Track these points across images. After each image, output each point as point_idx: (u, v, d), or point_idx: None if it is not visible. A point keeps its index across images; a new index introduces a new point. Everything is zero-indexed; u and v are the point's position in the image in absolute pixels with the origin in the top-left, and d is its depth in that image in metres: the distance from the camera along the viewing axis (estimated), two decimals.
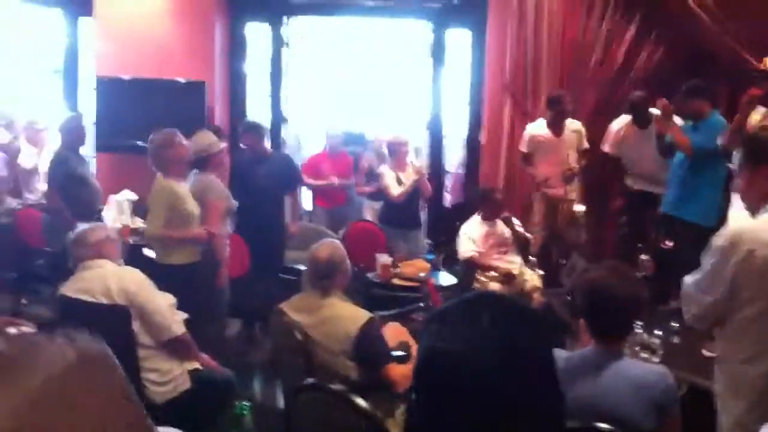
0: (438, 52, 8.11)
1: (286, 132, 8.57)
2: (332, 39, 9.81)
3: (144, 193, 5.41)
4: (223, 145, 5.53)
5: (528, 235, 6.36)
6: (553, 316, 4.72)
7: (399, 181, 6.78)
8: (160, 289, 3.97)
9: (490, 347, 1.19)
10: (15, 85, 9.02)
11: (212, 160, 5.24)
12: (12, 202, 7.14)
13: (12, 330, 2.65)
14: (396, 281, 5.98)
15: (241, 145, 6.50)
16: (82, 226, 4.17)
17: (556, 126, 6.64)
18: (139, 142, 5.94)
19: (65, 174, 6.02)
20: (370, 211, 7.89)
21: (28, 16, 8.85)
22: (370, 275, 6.01)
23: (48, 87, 8.90)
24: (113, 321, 3.79)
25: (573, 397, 2.33)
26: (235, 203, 5.34)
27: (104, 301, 3.80)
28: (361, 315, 3.57)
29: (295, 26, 8.50)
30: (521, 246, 6.16)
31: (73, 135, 6.24)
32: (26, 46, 9.12)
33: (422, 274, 5.98)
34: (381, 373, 3.49)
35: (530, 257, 6.20)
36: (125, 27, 7.75)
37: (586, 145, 6.77)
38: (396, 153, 6.86)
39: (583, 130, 6.76)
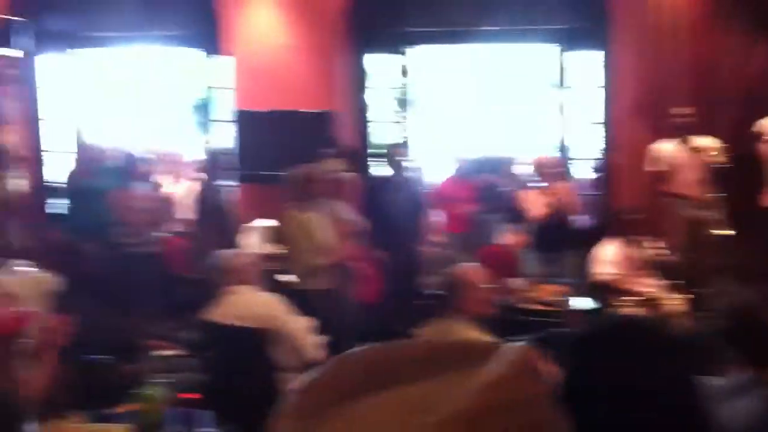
0: (564, 74, 8.01)
1: (410, 159, 8.68)
2: (455, 66, 9.86)
3: (280, 220, 5.61)
4: (351, 172, 5.67)
5: (667, 257, 6.12)
6: (700, 341, 4.51)
7: (542, 204, 6.66)
8: (300, 313, 4.09)
9: (635, 375, 1.16)
10: (158, 120, 9.61)
11: (341, 186, 5.38)
12: (157, 232, 7.52)
13: (163, 353, 2.83)
14: (530, 305, 5.89)
15: (370, 172, 6.63)
16: (223, 253, 4.35)
17: (685, 144, 6.40)
18: (274, 172, 6.18)
19: (208, 204, 6.31)
20: (505, 235, 7.80)
21: (171, 56, 9.43)
22: (503, 300, 5.95)
23: (188, 122, 9.42)
24: (255, 344, 3.93)
25: (719, 424, 2.22)
26: (365, 228, 5.44)
27: (246, 325, 3.95)
28: None
29: (417, 55, 8.63)
30: (661, 269, 5.94)
31: (213, 167, 6.54)
32: (168, 84, 9.70)
33: (558, 299, 5.86)
34: None
35: (672, 280, 5.96)
36: (258, 63, 8.10)
37: (720, 162, 6.48)
38: (542, 175, 6.75)
39: (717, 146, 6.48)
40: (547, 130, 8.55)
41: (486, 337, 3.62)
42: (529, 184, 6.95)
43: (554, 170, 6.76)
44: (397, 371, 0.76)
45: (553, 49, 8.10)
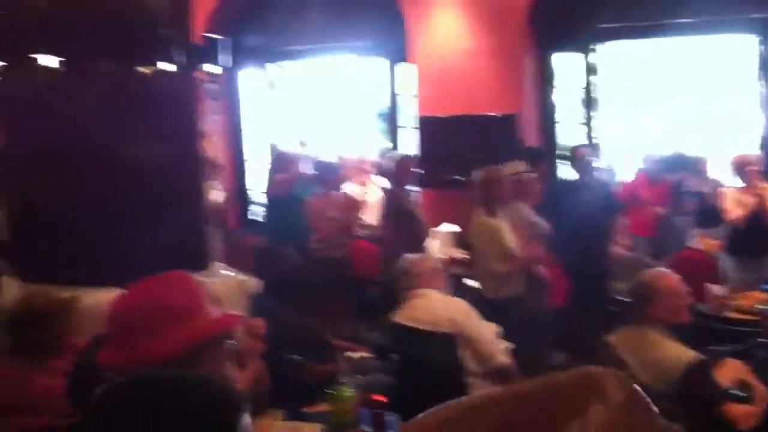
0: (763, 66, 7.45)
1: (598, 160, 8.41)
2: (645, 62, 9.46)
3: (464, 225, 5.63)
4: (533, 173, 5.58)
5: None
6: None
7: (741, 204, 6.23)
8: (485, 318, 4.08)
9: None
10: (344, 126, 9.97)
11: (526, 189, 5.31)
12: (346, 237, 7.79)
13: (352, 354, 2.90)
14: (731, 314, 5.52)
15: (556, 174, 6.50)
16: (409, 257, 4.43)
17: None
18: (458, 177, 6.22)
19: (394, 209, 6.44)
20: (699, 239, 7.38)
21: (355, 65, 9.76)
22: (700, 307, 5.63)
23: (373, 128, 9.70)
24: (440, 348, 3.96)
25: None
26: (550, 231, 5.35)
27: (432, 329, 4.00)
28: (687, 356, 3.34)
29: (606, 52, 8.35)
30: None
31: (400, 173, 6.67)
32: (356, 92, 10.04)
33: (761, 307, 5.46)
34: (715, 412, 3.24)
35: None
36: (441, 68, 8.17)
37: None
38: (742, 173, 6.32)
39: None
40: (746, 125, 8.00)
41: (679, 347, 3.45)
42: (726, 184, 6.52)
43: (754, 168, 6.29)
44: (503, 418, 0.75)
45: (751, 39, 7.57)
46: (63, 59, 3.82)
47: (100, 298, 3.64)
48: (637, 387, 0.80)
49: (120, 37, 3.94)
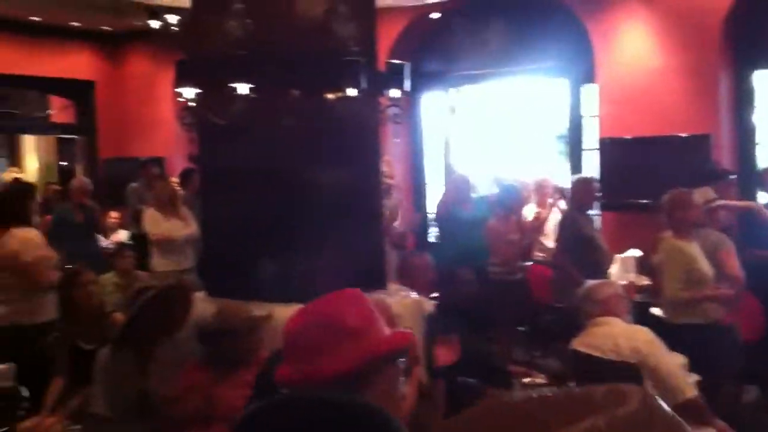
0: None
1: None
2: None
3: (648, 249, 5.38)
4: (728, 198, 5.27)
5: None
6: None
7: None
8: (670, 348, 3.87)
9: None
10: (527, 149, 9.86)
11: (717, 214, 5.03)
12: (524, 260, 7.67)
13: (528, 380, 2.84)
14: None
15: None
16: (590, 283, 4.29)
17: None
18: (643, 200, 5.95)
19: (573, 234, 6.28)
20: None
21: (535, 87, 9.64)
22: None
23: (553, 150, 9.52)
24: (623, 378, 3.79)
25: None
26: (742, 258, 5.00)
27: (613, 357, 3.84)
28: None
29: None
30: None
31: (581, 196, 6.49)
32: (537, 114, 9.91)
33: None
34: None
35: None
36: (626, 89, 7.89)
37: None
38: None
39: None
40: None
41: None
42: None
43: None
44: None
45: None
46: (255, 86, 4.04)
47: (288, 315, 3.80)
48: (658, 398, 0.85)
49: (309, 65, 4.12)
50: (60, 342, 4.70)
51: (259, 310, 3.84)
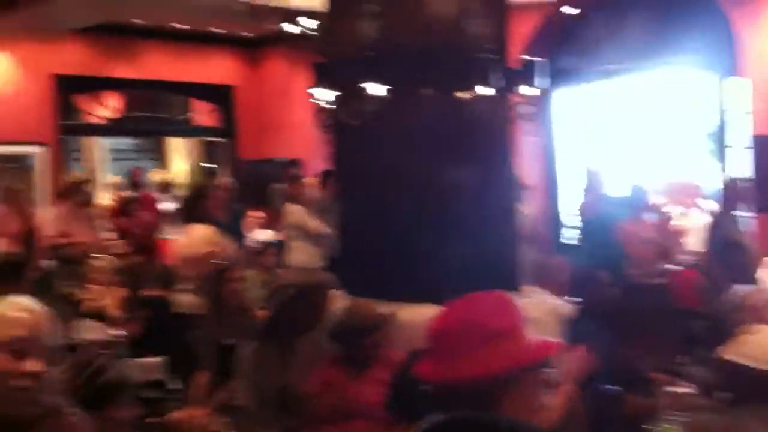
0: None
1: None
2: None
3: None
4: None
5: None
6: None
7: None
8: None
9: None
10: (669, 148, 9.42)
11: None
12: (666, 264, 7.35)
13: (674, 390, 2.68)
14: None
15: None
16: (741, 289, 4.06)
17: None
18: None
19: (720, 237, 5.97)
20: None
21: (681, 81, 9.19)
22: None
23: (701, 149, 9.05)
24: None
25: None
26: None
27: (764, 367, 3.61)
28: None
29: None
30: None
31: (729, 196, 6.17)
32: (679, 110, 9.46)
33: None
34: None
35: None
36: None
37: None
38: None
39: None
40: None
41: None
42: None
43: None
44: None
45: None
46: (389, 87, 4.06)
47: (416, 314, 3.80)
48: None
49: (441, 64, 4.10)
50: (205, 336, 4.89)
51: (387, 308, 3.87)
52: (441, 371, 1.65)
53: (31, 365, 1.65)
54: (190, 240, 5.73)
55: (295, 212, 7.25)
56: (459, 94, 4.13)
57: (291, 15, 8.04)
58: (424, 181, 4.17)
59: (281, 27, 8.61)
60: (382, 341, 3.71)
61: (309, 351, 4.01)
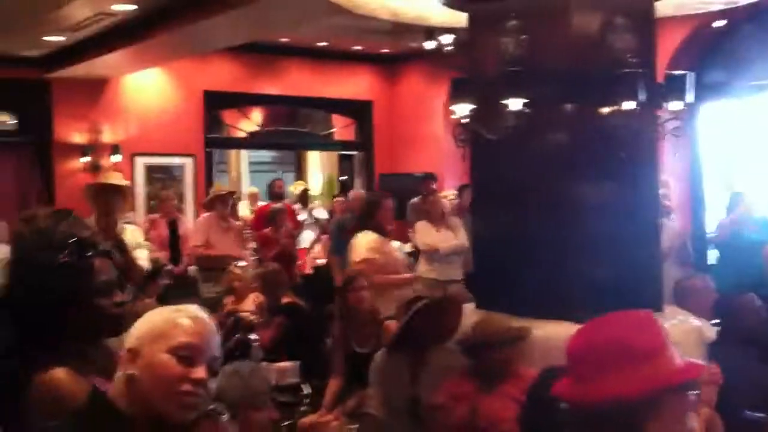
0: None
1: None
2: None
3: None
4: None
5: None
6: None
7: None
8: None
9: None
10: None
11: None
12: None
13: None
14: None
15: None
16: None
17: None
18: None
19: None
20: None
21: None
22: None
23: None
24: None
25: None
26: None
27: None
28: None
29: None
30: None
31: None
32: None
33: None
34: None
35: None
36: None
37: None
38: None
39: None
40: None
41: None
42: None
43: None
44: None
45: None
46: (529, 102, 4.03)
47: (551, 331, 3.75)
48: None
49: (585, 79, 4.04)
50: (337, 343, 5.00)
51: (520, 324, 3.83)
52: (581, 391, 1.61)
53: (198, 372, 1.75)
54: (357, 248, 5.98)
55: (422, 226, 7.31)
56: (603, 110, 4.05)
57: (430, 32, 8.13)
58: (563, 198, 4.10)
59: (420, 43, 8.73)
60: (514, 356, 3.68)
61: (440, 363, 4.03)
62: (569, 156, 4.12)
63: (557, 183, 4.12)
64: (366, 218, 6.24)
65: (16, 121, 10.45)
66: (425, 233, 7.23)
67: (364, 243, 5.99)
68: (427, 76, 11.56)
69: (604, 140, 4.04)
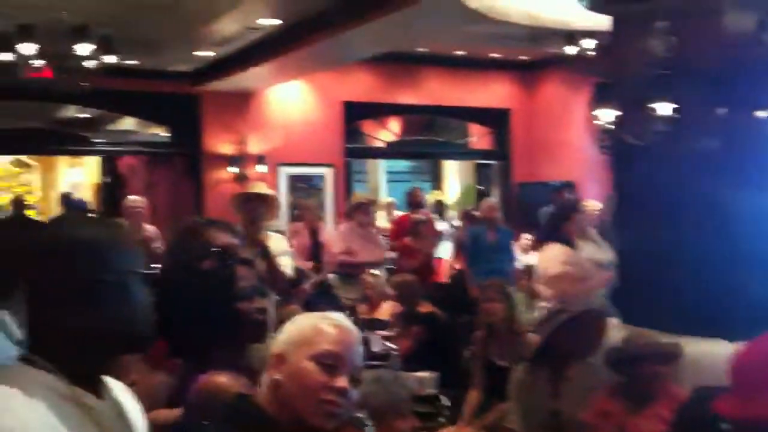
0: None
1: None
2: None
3: None
4: None
5: None
6: None
7: None
8: None
9: None
10: None
11: None
12: None
13: None
14: None
15: None
16: None
17: None
18: None
19: None
20: None
21: None
22: None
23: None
24: None
25: None
26: None
27: None
28: None
29: None
30: None
31: None
32: None
33: None
34: None
35: None
36: None
37: None
38: None
39: None
40: None
41: None
42: None
43: None
44: None
45: None
46: (678, 106, 3.85)
47: (704, 349, 3.54)
48: None
49: (738, 81, 3.82)
50: (476, 356, 4.94)
51: (673, 341, 3.64)
52: (747, 409, 1.53)
53: (340, 381, 1.75)
54: (546, 259, 5.92)
55: None
56: (758, 113, 3.81)
57: (570, 36, 7.94)
58: (717, 207, 3.88)
59: (560, 49, 8.54)
60: (666, 374, 3.50)
61: (582, 378, 3.90)
62: (722, 162, 3.90)
63: (710, 191, 3.90)
64: (552, 230, 6.11)
65: (169, 134, 11.04)
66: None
67: (554, 256, 5.87)
68: (566, 83, 11.32)
69: (759, 145, 3.80)
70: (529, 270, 7.35)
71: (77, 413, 1.39)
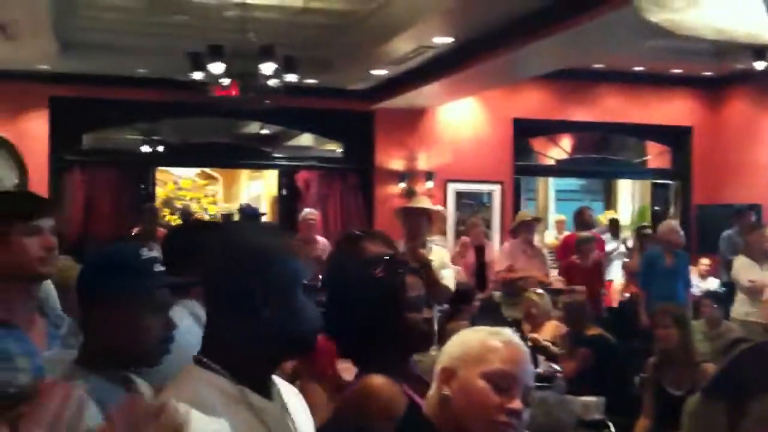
0: None
1: None
2: None
3: None
4: None
5: None
6: None
7: None
8: None
9: None
10: None
11: None
12: None
13: None
14: None
15: None
16: None
17: None
18: None
19: None
20: None
21: None
22: None
23: None
24: None
25: None
26: None
27: None
28: None
29: None
30: None
31: None
32: None
33: None
34: None
35: None
36: None
37: None
38: None
39: None
40: None
41: None
42: None
43: None
44: None
45: None
46: None
47: None
48: None
49: None
50: (648, 383, 4.74)
51: None
52: None
53: (515, 404, 1.70)
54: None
55: (743, 263, 6.69)
56: None
57: (760, 51, 7.48)
58: None
59: (748, 64, 8.06)
60: None
61: (764, 414, 3.63)
62: None
63: None
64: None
65: (342, 150, 11.41)
66: (747, 270, 6.64)
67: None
68: (755, 100, 10.65)
69: None
70: (717, 296, 6.97)
71: (246, 417, 1.47)
